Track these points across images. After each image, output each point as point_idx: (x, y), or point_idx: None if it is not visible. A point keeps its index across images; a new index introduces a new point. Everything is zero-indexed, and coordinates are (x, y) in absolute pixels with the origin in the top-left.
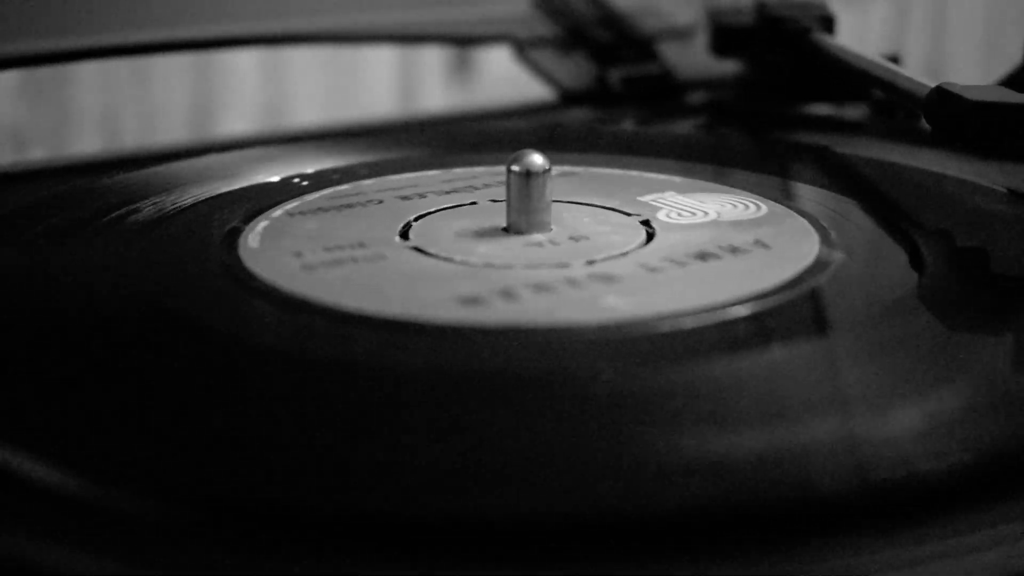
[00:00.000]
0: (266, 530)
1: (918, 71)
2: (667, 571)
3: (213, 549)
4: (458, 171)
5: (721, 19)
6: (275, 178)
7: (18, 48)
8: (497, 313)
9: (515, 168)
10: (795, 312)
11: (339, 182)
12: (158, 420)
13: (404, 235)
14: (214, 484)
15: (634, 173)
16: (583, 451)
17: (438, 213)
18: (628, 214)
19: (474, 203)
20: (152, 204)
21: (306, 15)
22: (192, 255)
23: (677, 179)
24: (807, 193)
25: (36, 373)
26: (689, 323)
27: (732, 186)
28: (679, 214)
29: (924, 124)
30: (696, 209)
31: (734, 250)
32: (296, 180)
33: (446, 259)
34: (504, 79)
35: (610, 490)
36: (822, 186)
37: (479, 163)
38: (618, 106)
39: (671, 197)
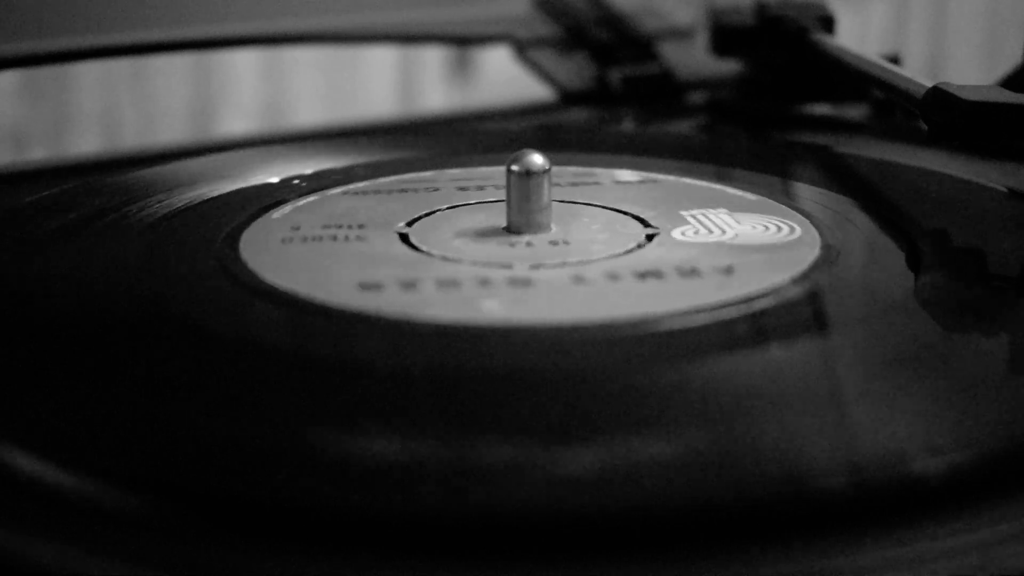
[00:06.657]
0: (262, 529)
1: (918, 71)
2: (655, 572)
3: (207, 547)
4: (483, 170)
5: (721, 19)
6: (275, 179)
7: (18, 48)
8: (389, 302)
9: (515, 168)
10: (794, 310)
11: (338, 183)
12: (157, 419)
13: (406, 231)
14: (212, 482)
15: (702, 183)
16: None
17: (447, 211)
18: (647, 224)
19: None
20: (153, 203)
21: (306, 15)
22: (192, 255)
23: (742, 194)
24: (806, 192)
25: (35, 372)
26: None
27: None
28: (695, 232)
29: (922, 124)
30: (723, 227)
31: (693, 271)
32: (296, 181)
33: (424, 252)
34: (504, 79)
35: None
36: (821, 185)
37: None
38: (618, 106)
39: (713, 214)
